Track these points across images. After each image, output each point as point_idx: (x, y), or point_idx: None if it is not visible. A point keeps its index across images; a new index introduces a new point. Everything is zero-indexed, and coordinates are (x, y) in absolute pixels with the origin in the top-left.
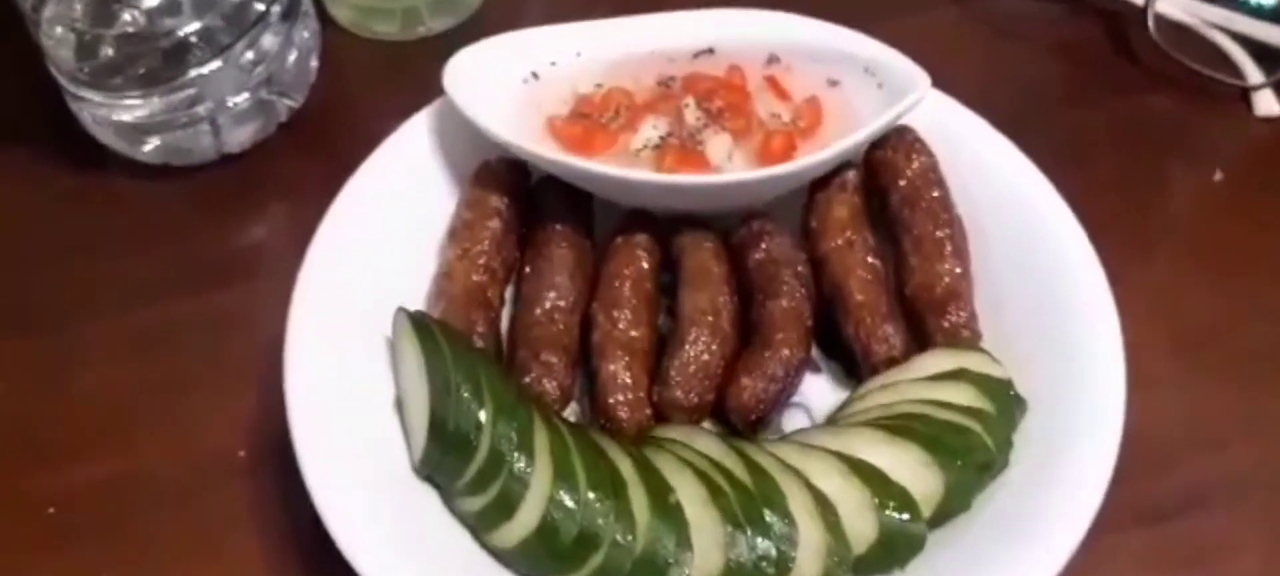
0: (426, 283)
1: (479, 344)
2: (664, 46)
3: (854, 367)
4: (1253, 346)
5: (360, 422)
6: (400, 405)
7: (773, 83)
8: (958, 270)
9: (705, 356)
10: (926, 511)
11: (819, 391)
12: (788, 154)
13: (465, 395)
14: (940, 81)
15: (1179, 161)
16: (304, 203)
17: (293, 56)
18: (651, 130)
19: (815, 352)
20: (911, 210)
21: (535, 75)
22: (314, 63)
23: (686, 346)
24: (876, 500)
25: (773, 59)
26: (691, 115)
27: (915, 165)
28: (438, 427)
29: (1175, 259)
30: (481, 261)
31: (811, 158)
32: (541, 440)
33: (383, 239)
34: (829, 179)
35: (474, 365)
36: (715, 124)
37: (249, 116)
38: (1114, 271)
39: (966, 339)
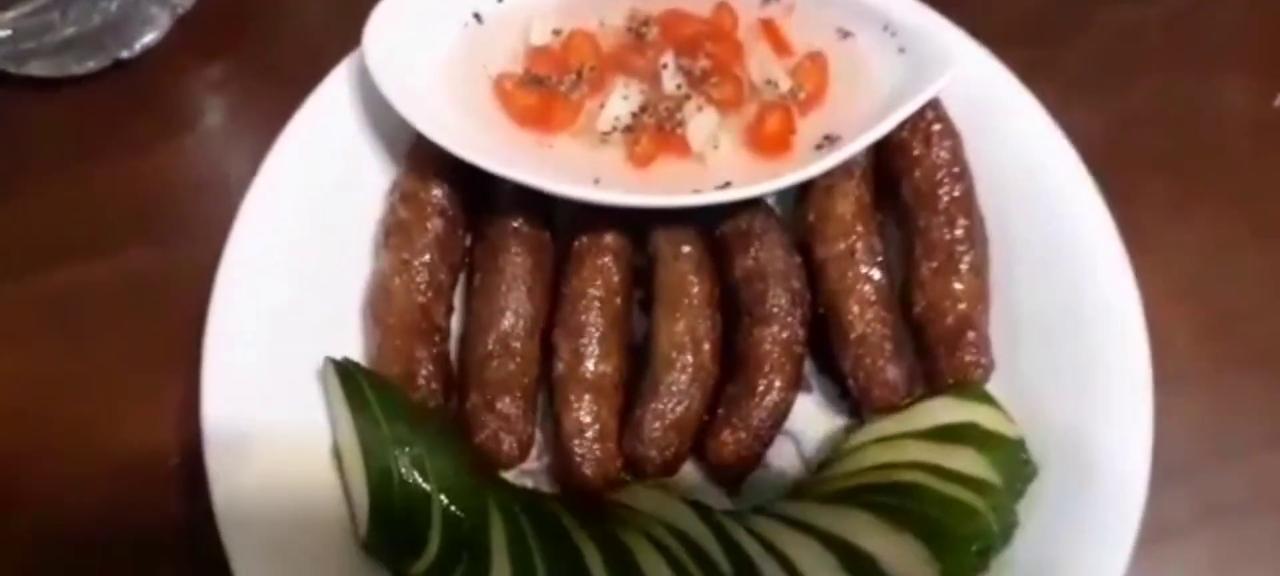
0: (360, 283)
1: (424, 388)
2: None
3: (845, 389)
4: None
5: (292, 482)
6: (337, 457)
7: (769, 29)
8: (974, 290)
9: (681, 407)
10: None
11: (809, 417)
12: (784, 135)
13: (409, 480)
14: None
15: (1236, 78)
16: (216, 118)
17: None
18: (622, 102)
19: (806, 366)
20: (926, 210)
21: (477, 17)
22: None
23: (662, 398)
24: None
25: None
26: (670, 80)
27: (935, 155)
28: (380, 513)
29: (1217, 221)
30: (422, 278)
31: (812, 166)
32: (499, 536)
33: (321, 211)
34: None
35: (415, 438)
36: (698, 93)
37: (132, 12)
38: (1145, 227)
39: (978, 379)
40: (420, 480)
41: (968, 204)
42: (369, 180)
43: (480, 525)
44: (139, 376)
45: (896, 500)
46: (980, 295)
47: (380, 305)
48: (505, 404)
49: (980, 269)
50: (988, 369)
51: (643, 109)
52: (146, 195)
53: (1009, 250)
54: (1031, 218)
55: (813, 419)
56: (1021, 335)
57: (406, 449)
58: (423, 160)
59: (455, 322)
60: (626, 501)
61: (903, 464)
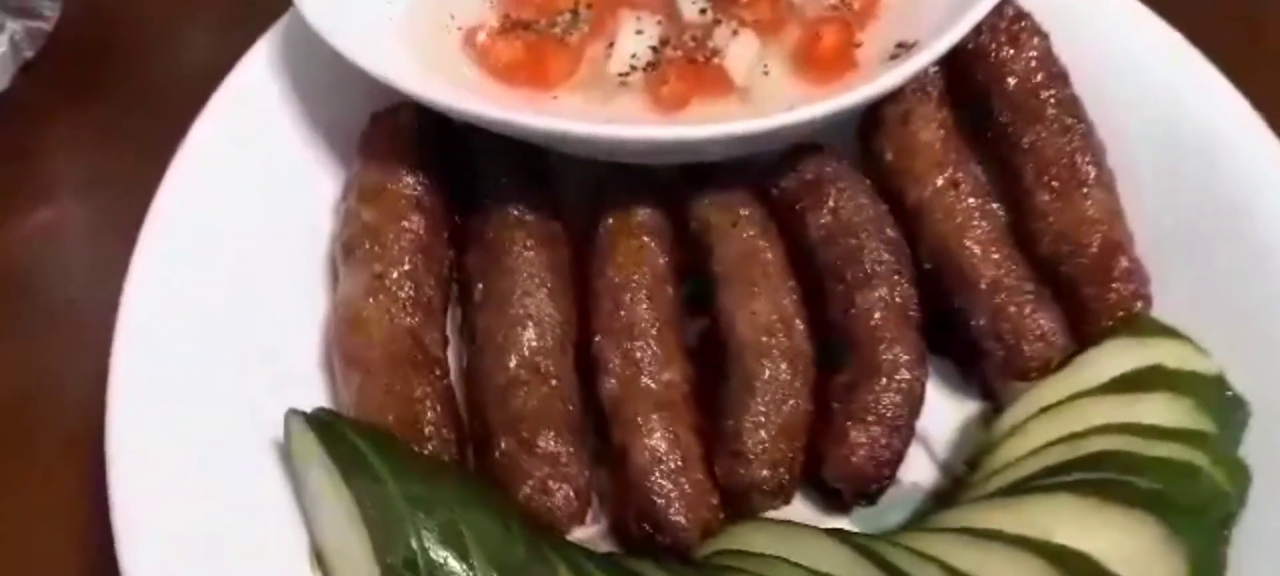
0: (314, 323)
1: (435, 437)
2: None
3: (974, 366)
4: None
5: None
6: (319, 562)
7: None
8: (1111, 207)
9: (787, 407)
10: None
11: (932, 406)
12: (846, 50)
13: (440, 558)
14: None
15: None
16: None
17: None
18: (636, 38)
19: None
20: (1030, 121)
21: None
22: None
23: (760, 398)
24: None
25: None
26: (690, 5)
27: (1026, 56)
28: None
29: None
30: (406, 293)
31: (895, 73)
32: None
33: (243, 248)
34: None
35: (442, 500)
36: (728, 16)
37: None
38: None
39: (1143, 314)
40: (455, 558)
41: (1078, 107)
42: (304, 195)
43: None
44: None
45: (1098, 476)
46: (1118, 211)
47: (353, 340)
48: (548, 442)
49: (1110, 182)
50: (1149, 297)
51: (663, 42)
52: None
53: (1130, 161)
54: (1149, 118)
55: (937, 410)
56: (1168, 260)
57: (433, 515)
58: (385, 144)
59: (451, 358)
60: (735, 545)
61: (1087, 431)
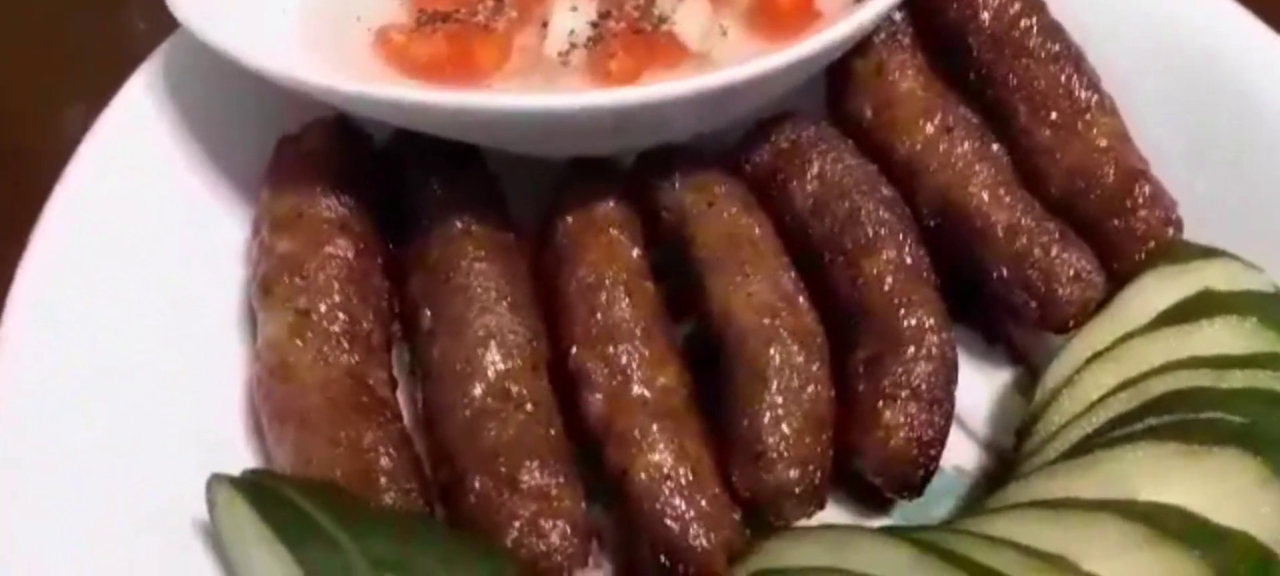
0: (229, 384)
1: (394, 490)
2: None
3: (1000, 325)
4: None
5: None
6: None
7: None
8: (1120, 131)
9: (806, 394)
10: None
11: (961, 382)
12: (805, 6)
13: None
14: None
15: None
16: None
17: None
18: (572, 14)
19: None
20: (1012, 55)
21: None
22: None
23: (771, 384)
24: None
25: None
26: None
27: None
28: None
29: None
30: (340, 326)
31: (862, 13)
32: None
33: (128, 329)
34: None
35: (416, 559)
36: None
37: None
38: None
39: (1177, 239)
40: None
41: (1061, 32)
42: (203, 241)
43: None
44: None
45: (1174, 418)
46: (1127, 135)
47: (282, 390)
48: (532, 475)
49: (1112, 106)
50: (1179, 221)
51: (603, 16)
52: None
53: (1126, 86)
54: (1139, 34)
55: (966, 383)
56: (1187, 182)
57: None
58: (294, 168)
59: (403, 402)
60: (773, 563)
61: (1147, 373)
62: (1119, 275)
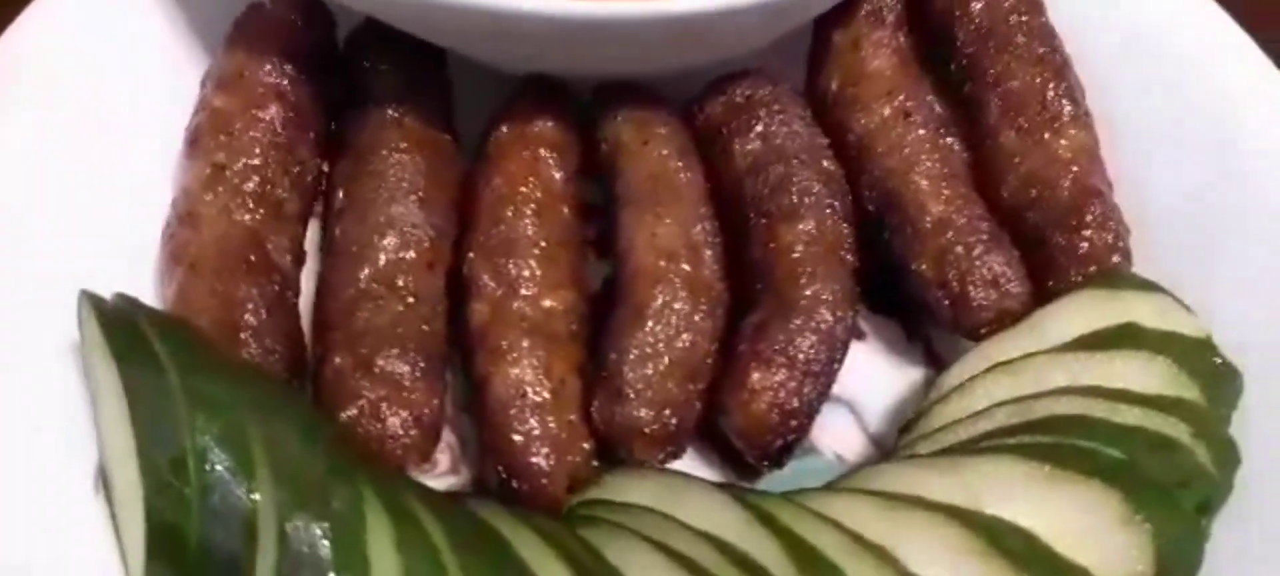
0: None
1: (254, 347)
2: None
3: (919, 326)
4: None
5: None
6: (103, 479)
7: None
8: (1087, 147)
9: (681, 341)
10: None
11: (866, 373)
12: None
13: (217, 467)
14: None
15: None
16: None
17: None
18: None
19: None
20: (999, 50)
21: None
22: None
23: (648, 324)
24: None
25: None
26: None
27: None
28: (165, 529)
29: None
30: (250, 187)
31: None
32: (382, 541)
33: (68, 151)
34: (850, 6)
35: (231, 399)
36: None
37: None
38: None
39: (1118, 267)
40: (237, 466)
41: (1053, 37)
42: (158, 89)
43: (349, 539)
44: None
45: (1051, 439)
46: (1096, 155)
47: (181, 235)
48: (390, 362)
49: (1088, 122)
50: (1127, 250)
51: None
52: None
53: (1116, 117)
54: (1142, 69)
55: (872, 377)
56: (1150, 229)
57: (217, 416)
58: (253, 32)
59: (307, 278)
60: (609, 496)
61: (1043, 393)
62: (1054, 294)
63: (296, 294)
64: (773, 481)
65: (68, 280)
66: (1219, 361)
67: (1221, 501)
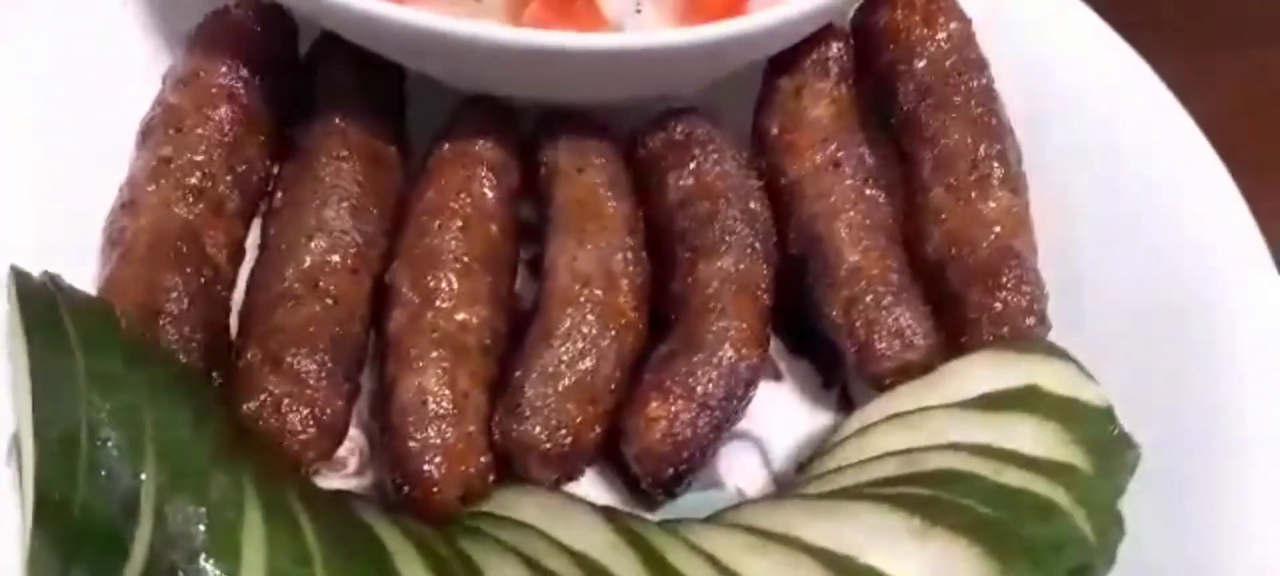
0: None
1: (173, 334)
2: None
3: (836, 372)
4: None
5: None
6: (17, 449)
7: None
8: (1014, 212)
9: (584, 364)
10: None
11: (779, 415)
12: (736, 7)
13: (108, 444)
14: None
15: None
16: None
17: None
18: None
19: (773, 345)
20: (937, 107)
21: None
22: None
23: (554, 345)
24: None
25: None
26: None
27: (943, 35)
28: (49, 508)
29: None
30: (192, 181)
31: (772, 12)
32: (255, 532)
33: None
34: (798, 54)
35: (128, 380)
36: None
37: None
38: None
39: (1032, 331)
40: (126, 444)
41: (994, 100)
42: (123, 84)
43: (223, 527)
44: None
45: (930, 492)
46: (1023, 220)
47: (120, 223)
48: (298, 360)
49: (1019, 187)
50: (1042, 314)
51: None
52: None
53: (1044, 172)
54: (1074, 126)
55: (784, 417)
56: (1084, 305)
57: (112, 396)
58: (213, 36)
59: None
60: (491, 509)
61: (934, 448)
62: (966, 351)
63: (228, 288)
64: (673, 510)
65: (17, 257)
66: (1115, 432)
67: (1104, 570)
